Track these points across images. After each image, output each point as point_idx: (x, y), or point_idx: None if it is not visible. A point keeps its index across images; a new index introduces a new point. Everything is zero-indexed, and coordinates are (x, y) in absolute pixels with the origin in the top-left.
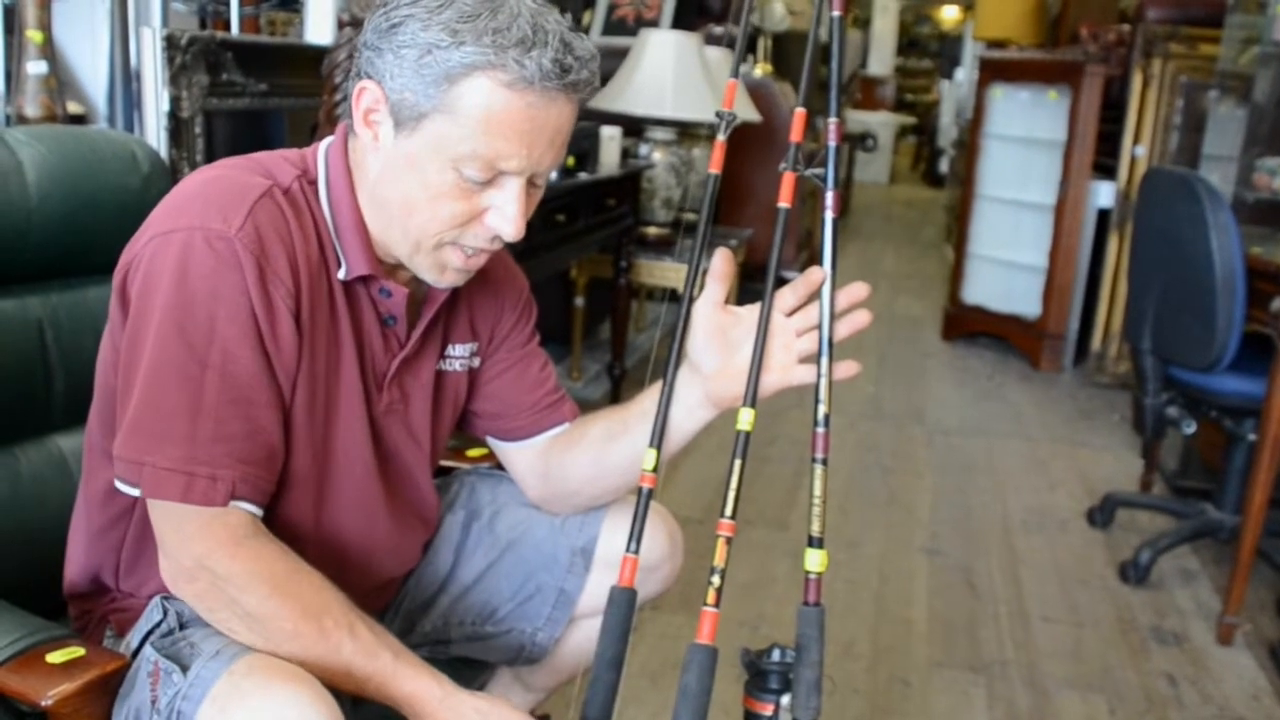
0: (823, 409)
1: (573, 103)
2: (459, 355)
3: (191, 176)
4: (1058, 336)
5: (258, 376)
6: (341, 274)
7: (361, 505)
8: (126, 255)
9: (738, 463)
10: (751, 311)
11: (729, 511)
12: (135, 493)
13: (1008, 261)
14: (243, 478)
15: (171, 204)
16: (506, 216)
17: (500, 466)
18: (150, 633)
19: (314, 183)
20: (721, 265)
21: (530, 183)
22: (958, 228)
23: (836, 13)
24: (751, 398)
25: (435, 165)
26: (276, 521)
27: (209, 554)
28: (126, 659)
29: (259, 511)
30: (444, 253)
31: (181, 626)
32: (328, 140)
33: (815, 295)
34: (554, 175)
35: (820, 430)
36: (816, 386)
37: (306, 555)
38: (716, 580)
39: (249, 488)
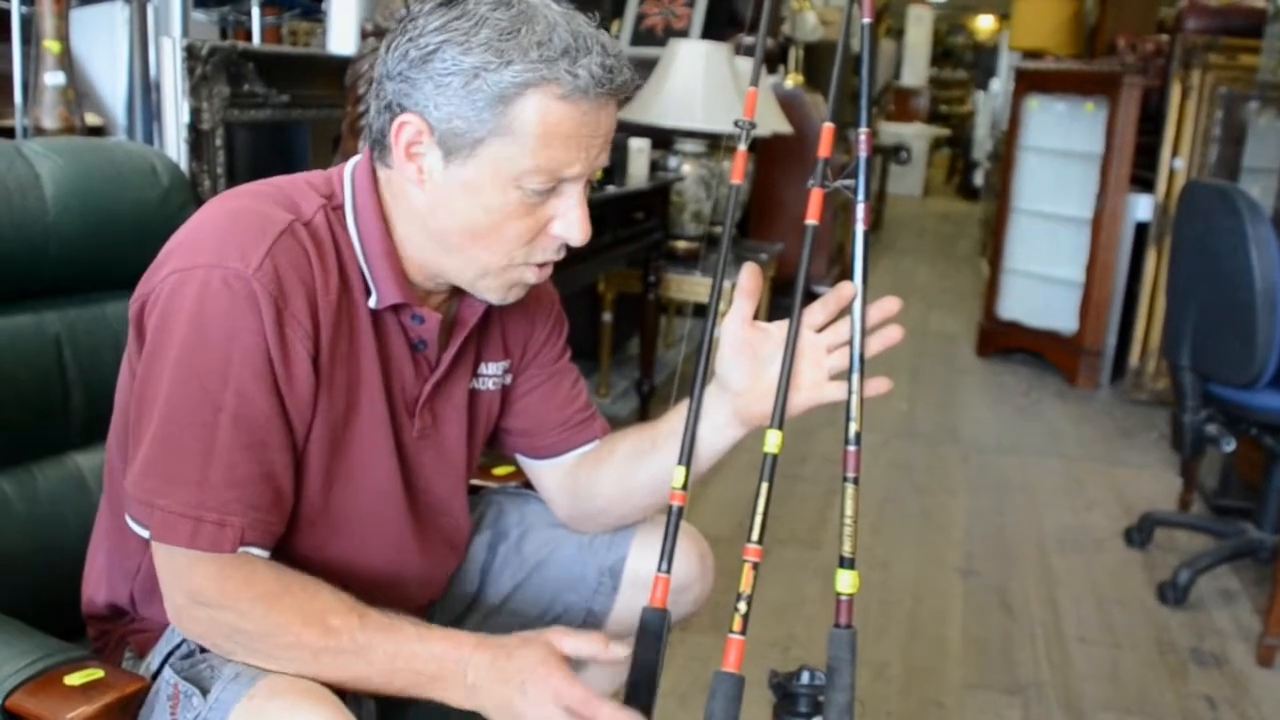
0: (854, 427)
1: (616, 104)
2: (492, 374)
3: (212, 205)
4: (1095, 353)
5: (271, 420)
6: (372, 303)
7: (390, 540)
8: (144, 287)
9: (764, 486)
10: (780, 328)
11: (755, 536)
12: (146, 534)
13: (1044, 276)
14: (251, 524)
15: (191, 237)
16: (573, 222)
17: (528, 484)
18: (170, 654)
19: (340, 208)
20: (748, 281)
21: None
22: (993, 242)
23: (866, 19)
24: (779, 418)
25: (496, 187)
26: (299, 559)
27: (199, 589)
28: (146, 681)
29: (265, 554)
30: (513, 273)
31: (202, 649)
32: (354, 161)
33: (845, 311)
34: None
35: (851, 448)
36: (848, 404)
37: None
38: (743, 607)
39: (257, 533)
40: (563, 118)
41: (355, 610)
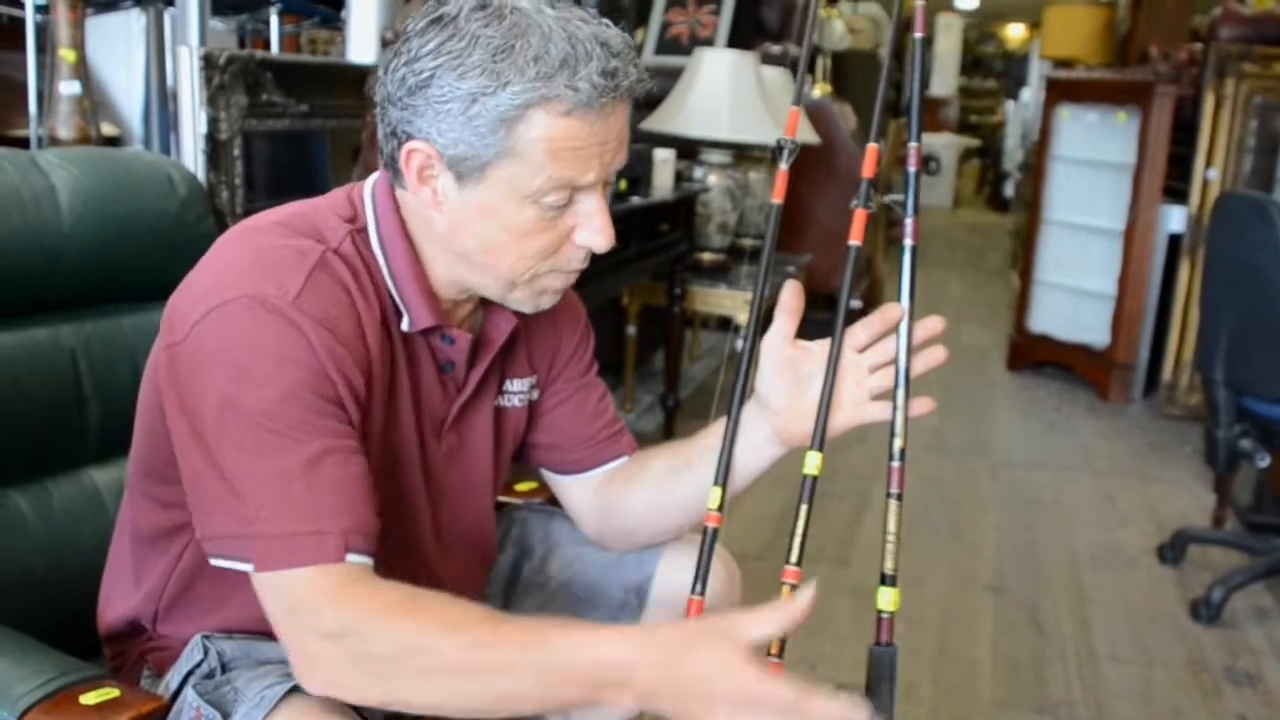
0: (898, 443)
1: (626, 104)
2: (518, 390)
3: (234, 241)
4: (1127, 366)
5: (339, 428)
6: (405, 326)
7: (418, 562)
8: (173, 334)
9: (804, 509)
10: (822, 346)
11: (794, 558)
12: (246, 568)
13: (1075, 289)
14: (350, 527)
15: (218, 274)
16: (596, 229)
17: (552, 500)
18: (191, 673)
19: (364, 230)
20: (791, 299)
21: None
22: (1024, 254)
23: (919, 34)
24: (819, 439)
25: (512, 206)
26: None
27: (314, 615)
28: (164, 700)
29: (370, 562)
30: (539, 282)
31: (224, 669)
32: (373, 178)
33: (889, 331)
34: None
35: (895, 465)
36: (892, 420)
37: None
38: None
39: (360, 538)
40: (569, 133)
41: (492, 619)
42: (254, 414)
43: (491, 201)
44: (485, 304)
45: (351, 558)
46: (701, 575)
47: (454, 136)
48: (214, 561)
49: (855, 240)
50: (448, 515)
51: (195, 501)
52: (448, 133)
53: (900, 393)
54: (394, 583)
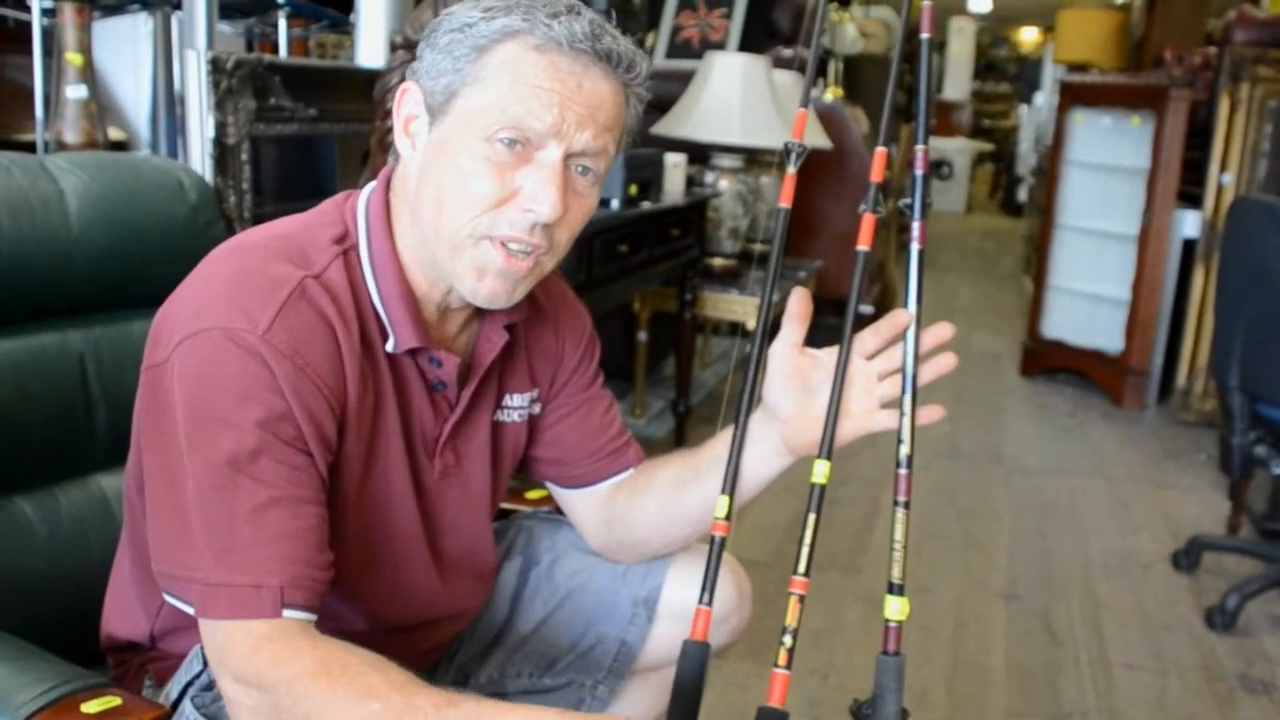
0: (905, 450)
1: (611, 80)
2: (517, 405)
3: (214, 263)
4: (1141, 372)
5: (298, 473)
6: (390, 347)
7: (416, 583)
8: (153, 356)
9: (811, 517)
10: (830, 354)
11: (802, 569)
12: (190, 610)
13: (1089, 294)
14: (292, 581)
15: (193, 300)
16: (539, 193)
17: (559, 509)
18: (190, 684)
19: (355, 248)
20: (799, 306)
21: (575, 174)
22: (1037, 259)
23: (925, 35)
24: (828, 448)
25: (465, 144)
26: (325, 610)
27: (240, 667)
28: (165, 709)
29: (311, 618)
30: (481, 250)
31: None
32: (368, 190)
33: (898, 338)
34: (616, 204)
35: (903, 472)
36: (899, 427)
37: (356, 637)
38: (788, 640)
39: (300, 593)
40: (534, 67)
41: (409, 686)
42: (211, 453)
43: (449, 138)
44: (479, 319)
45: (288, 613)
46: (709, 585)
47: (437, 69)
48: (164, 596)
49: (864, 245)
50: (446, 533)
51: (151, 528)
52: (434, 66)
53: (907, 399)
54: (326, 642)
